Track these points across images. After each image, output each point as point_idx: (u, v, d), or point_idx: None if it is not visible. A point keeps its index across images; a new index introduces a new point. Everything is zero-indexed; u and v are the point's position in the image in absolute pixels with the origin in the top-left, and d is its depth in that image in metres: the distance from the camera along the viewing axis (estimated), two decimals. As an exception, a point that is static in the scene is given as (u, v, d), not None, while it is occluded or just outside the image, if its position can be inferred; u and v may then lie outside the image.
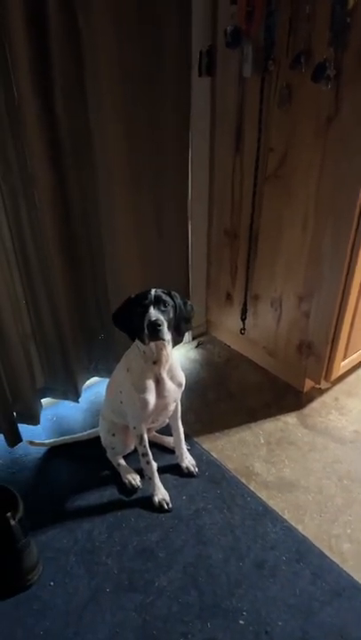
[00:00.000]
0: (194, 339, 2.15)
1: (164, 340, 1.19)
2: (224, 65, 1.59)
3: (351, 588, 1.25)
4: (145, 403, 1.28)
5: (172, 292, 1.24)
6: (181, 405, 1.49)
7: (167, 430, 1.55)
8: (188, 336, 2.11)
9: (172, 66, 1.44)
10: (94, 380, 1.87)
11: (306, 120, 1.42)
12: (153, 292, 1.20)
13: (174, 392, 1.34)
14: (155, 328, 1.15)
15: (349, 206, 1.40)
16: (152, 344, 1.22)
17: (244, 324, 1.93)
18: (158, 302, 1.19)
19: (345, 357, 1.76)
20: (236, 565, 1.30)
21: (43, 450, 1.63)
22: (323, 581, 1.27)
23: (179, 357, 2.01)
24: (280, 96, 1.45)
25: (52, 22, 1.20)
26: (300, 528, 1.40)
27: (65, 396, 1.75)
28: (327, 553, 1.33)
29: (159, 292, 1.20)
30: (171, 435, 1.55)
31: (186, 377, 1.40)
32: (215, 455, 1.62)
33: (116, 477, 1.53)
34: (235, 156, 1.69)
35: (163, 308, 1.19)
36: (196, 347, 2.12)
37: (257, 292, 1.86)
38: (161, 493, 1.44)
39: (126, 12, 1.30)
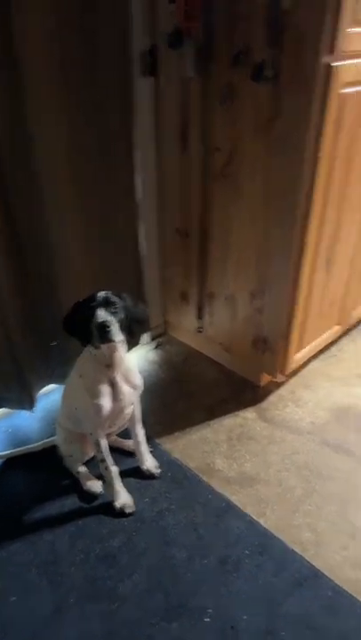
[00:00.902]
0: (153, 340, 2.14)
1: (114, 341, 1.17)
2: (166, 65, 1.58)
3: (313, 576, 1.28)
4: (99, 408, 1.26)
5: (122, 294, 1.23)
6: (141, 407, 1.48)
7: (127, 433, 1.54)
8: (146, 337, 2.10)
9: (113, 67, 1.42)
10: (51, 387, 1.83)
11: (248, 119, 1.44)
12: (101, 293, 1.18)
13: (130, 395, 1.33)
14: (104, 329, 1.14)
15: (293, 204, 1.43)
16: (104, 347, 1.20)
17: (200, 322, 1.94)
18: (107, 304, 1.17)
19: (299, 350, 1.80)
20: (200, 564, 1.31)
21: (-1, 462, 1.59)
22: (285, 572, 1.29)
23: (136, 360, 1.99)
24: (222, 95, 1.46)
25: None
26: (262, 521, 1.42)
27: (19, 406, 1.71)
28: (289, 544, 1.36)
29: (108, 293, 1.19)
30: (130, 437, 1.53)
31: (145, 379, 1.39)
32: (177, 455, 1.62)
33: (76, 485, 1.51)
34: (181, 156, 1.69)
35: (112, 310, 1.17)
36: (155, 348, 2.12)
37: (211, 290, 1.87)
38: (122, 498, 1.42)
39: (65, 12, 1.28)
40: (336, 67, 1.23)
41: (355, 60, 1.28)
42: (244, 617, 1.20)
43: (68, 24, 1.30)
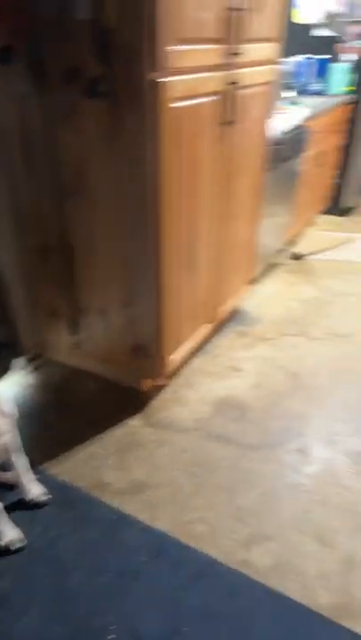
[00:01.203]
0: (29, 363, 2.06)
1: None
2: (1, 82, 1.54)
3: (210, 566, 1.33)
4: None
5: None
6: (19, 435, 1.41)
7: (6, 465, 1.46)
8: (21, 362, 2.02)
9: None
10: None
11: (92, 134, 1.46)
12: None
13: (1, 425, 1.27)
14: None
15: (144, 214, 1.48)
16: None
17: (76, 338, 1.92)
18: None
19: (175, 352, 1.86)
20: (97, 582, 1.29)
21: None
22: (184, 569, 1.32)
23: (9, 387, 1.90)
24: (62, 111, 1.46)
25: None
26: (156, 525, 1.43)
27: None
28: (184, 541, 1.39)
29: None
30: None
31: (24, 404, 1.34)
32: (65, 477, 1.57)
33: None
34: (28, 173, 1.65)
35: None
36: (32, 371, 2.04)
37: (83, 305, 1.86)
38: (7, 535, 1.35)
39: None
40: (163, 82, 1.30)
41: (180, 77, 1.36)
42: (149, 623, 1.21)
43: None
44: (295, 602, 1.24)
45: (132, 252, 1.59)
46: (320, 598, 1.25)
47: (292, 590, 1.27)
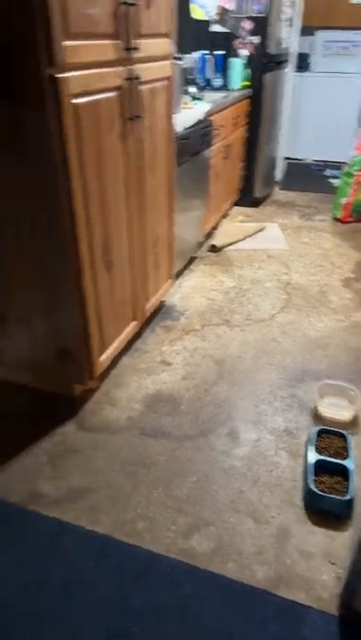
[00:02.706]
0: None
1: None
2: None
3: (153, 561, 1.34)
4: None
5: None
6: None
7: None
8: None
9: None
10: None
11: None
12: None
13: None
14: None
15: (55, 214, 1.45)
16: None
17: (-5, 349, 1.83)
18: None
19: (102, 352, 1.84)
20: (38, 599, 1.25)
21: None
22: (128, 568, 1.32)
23: None
24: None
25: None
26: (98, 529, 1.42)
27: None
28: (127, 540, 1.39)
29: None
30: None
31: None
32: (-3, 495, 1.51)
33: None
34: None
35: None
36: None
37: (1, 314, 1.78)
38: None
39: None
40: (62, 78, 1.28)
41: (79, 72, 1.34)
42: (97, 630, 1.19)
43: None
44: (235, 581, 1.29)
45: (47, 255, 1.55)
46: (258, 573, 1.31)
47: (233, 571, 1.31)
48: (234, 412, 1.84)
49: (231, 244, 3.24)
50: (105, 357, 1.88)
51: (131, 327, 2.07)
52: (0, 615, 1.21)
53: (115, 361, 2.06)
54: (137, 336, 2.23)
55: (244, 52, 3.34)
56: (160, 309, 2.47)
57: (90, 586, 1.28)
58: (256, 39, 3.30)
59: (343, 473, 1.52)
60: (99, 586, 1.28)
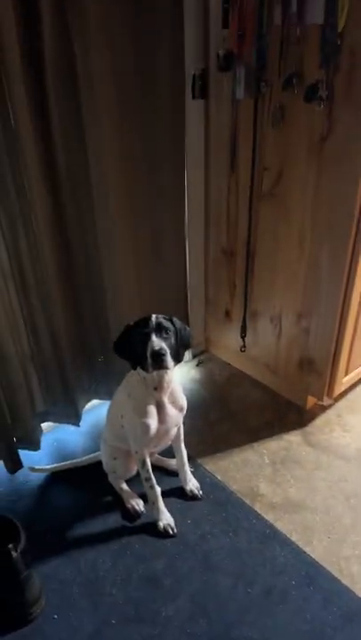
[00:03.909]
0: (194, 357, 2.14)
1: (168, 368, 1.17)
2: (217, 87, 1.61)
3: (363, 611, 1.22)
4: (147, 427, 1.26)
5: (173, 318, 1.22)
6: (183, 427, 1.46)
7: (169, 452, 1.53)
8: (188, 355, 2.10)
9: (165, 90, 1.46)
10: (95, 402, 1.85)
11: (299, 139, 1.44)
12: (154, 318, 1.17)
13: (176, 417, 1.32)
14: (159, 357, 1.13)
15: (345, 223, 1.41)
16: (155, 372, 1.20)
17: (244, 341, 1.92)
18: (160, 329, 1.17)
19: (347, 373, 1.75)
20: (244, 592, 1.27)
21: (43, 476, 1.61)
22: (334, 606, 1.23)
23: (179, 379, 1.99)
24: (273, 117, 1.47)
25: (47, 51, 1.21)
26: (308, 550, 1.37)
27: (66, 420, 1.73)
28: (337, 575, 1.30)
29: (160, 318, 1.18)
30: (173, 456, 1.52)
31: (187, 398, 1.38)
32: (219, 477, 1.59)
33: (118, 503, 1.50)
34: (230, 176, 1.70)
35: (165, 335, 1.16)
36: (197, 365, 2.11)
37: (256, 309, 1.86)
38: (165, 518, 1.41)
39: (121, 38, 1.32)
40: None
41: None
42: (291, 651, 1.15)
43: (126, 52, 1.34)
44: None
45: (321, 261, 1.53)
46: None
47: None
48: None
49: None
50: (348, 378, 1.78)
51: (381, 354, 1.91)
52: (207, 593, 1.27)
53: (355, 385, 1.93)
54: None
55: None
56: None
57: (292, 604, 1.24)
58: None
59: None
60: (301, 609, 1.23)
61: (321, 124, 1.36)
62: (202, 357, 2.15)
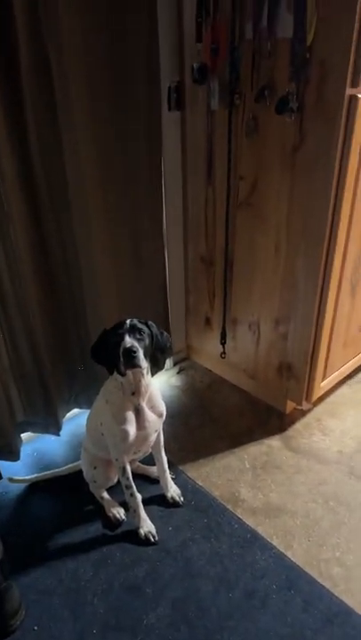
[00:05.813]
0: (175, 364, 2.15)
1: (140, 367, 1.18)
2: (192, 99, 1.64)
3: (343, 613, 1.23)
4: (125, 434, 1.27)
5: (149, 322, 1.24)
6: (164, 433, 1.47)
7: (150, 459, 1.53)
8: (169, 362, 2.11)
9: (142, 102, 1.49)
10: (75, 411, 1.85)
11: (273, 150, 1.47)
12: (128, 321, 1.20)
13: (155, 422, 1.33)
14: (130, 355, 1.15)
15: (319, 231, 1.45)
16: (130, 374, 1.21)
17: (224, 347, 1.94)
18: (133, 330, 1.19)
19: (324, 377, 1.78)
20: (225, 597, 1.27)
21: (23, 486, 1.59)
22: (314, 609, 1.25)
23: (159, 385, 2.00)
24: (247, 127, 1.50)
25: (23, 62, 1.22)
26: (289, 554, 1.38)
27: (46, 430, 1.72)
28: (317, 578, 1.31)
29: (135, 320, 1.21)
30: (154, 464, 1.53)
31: (168, 404, 1.39)
32: (200, 483, 1.60)
33: (99, 511, 1.50)
34: (207, 186, 1.73)
35: (138, 336, 1.19)
36: (178, 373, 2.12)
37: (235, 316, 1.88)
38: (147, 526, 1.41)
39: (96, 54, 1.35)
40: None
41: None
42: (272, 655, 1.16)
43: (102, 65, 1.37)
44: None
45: (297, 267, 1.56)
46: None
47: None
48: None
49: None
50: (326, 382, 1.81)
51: (359, 358, 1.94)
52: (189, 599, 1.27)
53: (333, 388, 1.96)
54: (361, 369, 2.09)
55: None
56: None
57: (273, 609, 1.24)
58: None
59: None
60: (283, 613, 1.24)
61: (293, 134, 1.40)
62: (183, 364, 2.16)
